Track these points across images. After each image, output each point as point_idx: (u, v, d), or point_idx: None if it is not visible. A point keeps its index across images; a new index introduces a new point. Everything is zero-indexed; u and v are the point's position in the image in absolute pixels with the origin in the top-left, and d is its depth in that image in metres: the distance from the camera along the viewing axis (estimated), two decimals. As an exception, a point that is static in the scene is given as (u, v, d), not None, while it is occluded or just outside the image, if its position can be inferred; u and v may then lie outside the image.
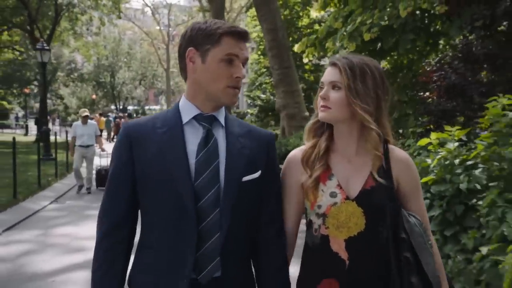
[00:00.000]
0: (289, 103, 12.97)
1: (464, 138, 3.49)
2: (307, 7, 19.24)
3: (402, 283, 1.35)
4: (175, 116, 1.41)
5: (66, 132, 12.70)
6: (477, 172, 3.01)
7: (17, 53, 23.23)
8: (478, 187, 2.97)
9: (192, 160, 1.35)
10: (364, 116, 1.42)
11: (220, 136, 1.40)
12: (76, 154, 8.80)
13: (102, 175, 9.06)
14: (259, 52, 21.98)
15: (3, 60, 23.11)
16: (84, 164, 8.99)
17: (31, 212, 7.25)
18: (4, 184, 8.68)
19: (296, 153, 1.55)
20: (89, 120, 9.02)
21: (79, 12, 21.73)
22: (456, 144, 3.19)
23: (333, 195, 1.44)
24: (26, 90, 26.53)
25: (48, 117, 24.39)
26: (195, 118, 1.40)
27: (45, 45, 13.05)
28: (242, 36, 1.37)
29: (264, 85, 22.47)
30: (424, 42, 7.30)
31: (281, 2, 19.39)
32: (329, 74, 1.46)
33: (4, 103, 30.33)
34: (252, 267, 1.48)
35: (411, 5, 6.47)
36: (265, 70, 21.81)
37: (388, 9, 7.19)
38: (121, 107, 44.95)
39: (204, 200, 1.33)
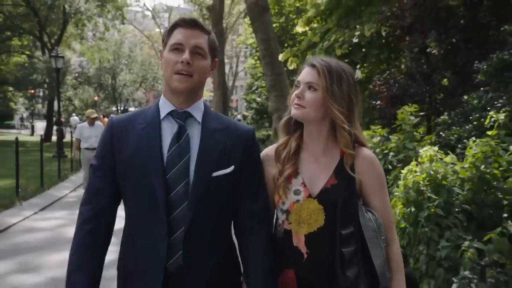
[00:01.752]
0: (280, 106, 14.10)
1: (385, 134, 4.83)
2: (301, 14, 20.67)
3: (342, 276, 1.43)
4: (154, 112, 1.47)
5: (71, 132, 13.97)
6: (389, 157, 4.39)
7: (24, 56, 24.62)
8: (390, 167, 4.34)
9: (165, 154, 1.41)
10: (339, 117, 1.48)
11: (195, 131, 1.45)
12: (84, 158, 8.31)
13: None
14: (256, 58, 23.27)
15: (13, 64, 24.50)
16: None
17: (56, 198, 8.63)
18: (29, 177, 10.04)
19: (270, 149, 1.63)
20: (96, 122, 8.60)
21: (86, 19, 23.08)
22: (379, 138, 4.57)
23: (296, 192, 1.52)
24: (31, 91, 27.79)
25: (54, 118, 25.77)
26: (170, 114, 1.46)
27: (59, 52, 14.41)
28: (188, 24, 1.42)
29: (259, 89, 23.82)
30: (386, 56, 8.70)
31: (276, 10, 20.77)
32: (307, 75, 1.51)
33: (11, 104, 31.67)
34: (232, 257, 1.53)
35: (374, 27, 7.88)
36: (261, 74, 23.03)
37: (357, 29, 8.59)
38: (122, 108, 46.14)
39: (174, 192, 1.38)
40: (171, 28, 1.44)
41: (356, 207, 1.49)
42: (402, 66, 7.25)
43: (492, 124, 4.03)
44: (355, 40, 8.57)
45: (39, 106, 46.73)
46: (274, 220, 1.59)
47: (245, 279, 1.51)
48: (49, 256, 5.03)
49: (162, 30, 44.62)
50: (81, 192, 9.52)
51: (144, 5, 40.08)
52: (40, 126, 32.92)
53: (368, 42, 8.52)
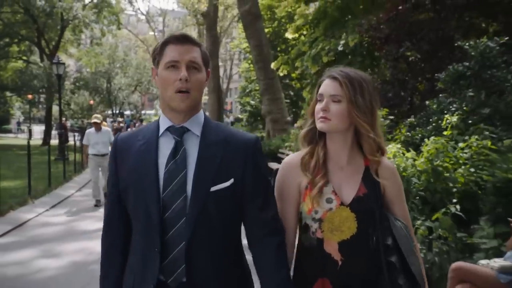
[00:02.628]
0: (273, 109, 14.81)
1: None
2: (293, 19, 21.44)
3: (392, 285, 1.44)
4: (154, 129, 1.48)
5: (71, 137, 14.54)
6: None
7: (21, 61, 25.17)
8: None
9: (162, 171, 1.40)
10: (365, 126, 1.51)
11: (193, 146, 1.43)
12: (92, 164, 8.18)
13: None
14: (249, 61, 23.92)
15: (11, 70, 25.06)
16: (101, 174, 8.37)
17: (64, 197, 9.27)
18: (35, 178, 10.65)
19: (293, 157, 1.63)
20: (103, 127, 8.39)
21: (83, 25, 23.67)
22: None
23: (329, 201, 1.52)
24: (30, 97, 28.29)
25: (52, 122, 26.35)
26: (168, 130, 1.45)
27: (60, 59, 15.04)
28: (179, 40, 1.40)
29: (253, 92, 24.50)
30: (369, 63, 9.44)
31: (269, 15, 21.47)
32: (329, 87, 1.52)
33: (9, 109, 32.17)
34: (240, 270, 1.50)
35: (356, 38, 8.62)
36: (255, 78, 23.66)
37: (342, 39, 9.33)
38: (117, 111, 46.56)
39: (171, 211, 1.37)
40: (162, 45, 1.43)
41: (386, 215, 1.51)
42: (382, 73, 7.97)
43: (447, 125, 4.76)
44: (340, 48, 9.32)
45: (34, 110, 47.01)
46: (302, 229, 1.59)
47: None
48: (67, 244, 5.70)
49: (156, 34, 45.15)
50: (85, 191, 10.16)
51: (139, 9, 40.28)
52: (37, 130, 33.37)
53: (352, 50, 9.28)
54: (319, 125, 1.53)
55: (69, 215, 7.68)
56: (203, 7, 23.51)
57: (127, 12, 42.67)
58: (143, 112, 48.26)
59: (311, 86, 11.08)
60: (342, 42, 9.24)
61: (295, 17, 10.89)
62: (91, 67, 29.13)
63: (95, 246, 5.51)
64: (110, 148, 6.62)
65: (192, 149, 1.42)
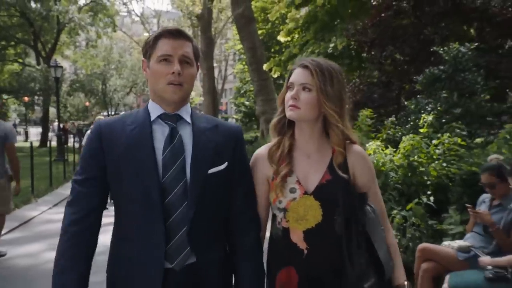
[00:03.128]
0: (267, 109, 15.10)
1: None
2: (286, 21, 21.88)
3: (353, 267, 1.45)
4: (144, 115, 1.48)
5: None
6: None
7: (17, 64, 25.45)
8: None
9: (159, 157, 1.41)
10: (333, 116, 1.52)
11: (187, 132, 1.46)
12: None
13: None
14: (244, 63, 24.27)
15: (7, 72, 25.31)
16: None
17: (65, 196, 9.61)
18: (37, 178, 11.01)
19: (262, 149, 1.64)
20: None
21: (79, 28, 23.98)
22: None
23: (292, 190, 1.54)
24: (26, 99, 28.55)
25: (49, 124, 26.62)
26: (160, 117, 1.47)
27: (58, 62, 15.38)
28: (173, 34, 1.43)
29: (248, 93, 24.88)
30: (357, 65, 9.88)
31: (262, 17, 21.88)
32: (300, 76, 1.52)
33: (6, 111, 32.35)
34: (226, 253, 1.54)
35: (344, 41, 9.06)
36: (249, 79, 24.00)
37: (331, 42, 9.76)
38: (112, 113, 46.69)
39: (172, 194, 1.40)
40: (155, 39, 1.45)
41: (354, 200, 1.51)
42: (369, 75, 8.41)
43: (424, 124, 5.19)
44: (329, 51, 9.76)
45: (30, 112, 47.10)
46: (271, 219, 1.62)
47: (235, 277, 1.53)
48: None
49: (151, 34, 45.31)
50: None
51: (133, 10, 40.48)
52: (33, 132, 33.56)
53: (340, 53, 9.72)
54: (289, 113, 1.54)
55: (72, 212, 8.05)
56: (198, 9, 23.86)
57: (122, 14, 42.88)
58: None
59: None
60: (331, 45, 9.69)
61: (287, 21, 11.29)
62: (87, 69, 29.39)
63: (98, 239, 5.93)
64: None
65: (186, 135, 1.46)
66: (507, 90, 6.77)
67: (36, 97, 23.97)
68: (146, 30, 45.36)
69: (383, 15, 7.02)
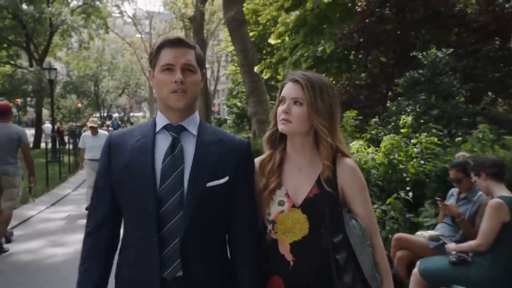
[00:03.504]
0: (258, 110, 15.38)
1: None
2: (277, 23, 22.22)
3: (340, 282, 1.49)
4: (150, 126, 1.54)
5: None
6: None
7: (9, 66, 25.48)
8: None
9: (158, 166, 1.45)
10: (323, 130, 1.55)
11: (190, 144, 1.49)
12: (87, 169, 7.82)
13: None
14: (236, 64, 24.53)
15: (0, 74, 25.34)
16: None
17: (61, 196, 9.86)
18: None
19: (255, 162, 1.66)
20: (100, 131, 8.09)
21: (72, 30, 24.10)
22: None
23: (281, 203, 1.58)
24: (18, 101, 28.56)
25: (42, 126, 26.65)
26: (165, 128, 1.51)
27: (52, 65, 15.55)
28: (174, 43, 1.47)
29: (240, 94, 25.17)
30: (345, 67, 10.22)
31: (254, 19, 22.16)
32: (291, 90, 1.57)
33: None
34: (227, 266, 1.55)
35: (332, 45, 9.39)
36: (241, 80, 24.25)
37: (320, 45, 10.09)
38: (105, 114, 46.67)
39: (167, 205, 1.42)
40: (157, 49, 1.49)
41: (340, 215, 1.54)
42: (357, 77, 8.75)
43: (404, 124, 5.53)
44: (318, 54, 10.09)
45: (21, 113, 46.88)
46: (264, 231, 1.64)
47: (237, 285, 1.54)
48: (70, 236, 6.32)
49: (143, 36, 45.42)
50: (81, 191, 10.73)
51: (125, 12, 40.48)
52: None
53: (329, 56, 10.04)
54: (281, 127, 1.57)
55: (68, 211, 8.27)
56: (190, 12, 24.11)
57: (114, 15, 42.84)
58: (131, 114, 48.52)
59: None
60: (320, 48, 10.01)
61: (277, 25, 11.61)
62: (79, 71, 29.50)
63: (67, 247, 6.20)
64: None
65: (189, 146, 1.49)
66: (489, 93, 7.12)
67: (29, 99, 24.03)
68: (138, 31, 45.47)
69: (367, 21, 7.36)
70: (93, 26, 27.42)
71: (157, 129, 1.52)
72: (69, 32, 24.30)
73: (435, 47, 5.84)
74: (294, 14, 11.38)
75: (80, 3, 26.29)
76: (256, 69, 12.18)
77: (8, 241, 5.87)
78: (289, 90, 1.58)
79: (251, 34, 16.65)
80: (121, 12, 40.22)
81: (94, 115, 46.26)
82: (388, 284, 1.58)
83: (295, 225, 1.56)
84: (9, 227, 6.18)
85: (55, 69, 15.89)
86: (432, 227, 4.13)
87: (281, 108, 1.57)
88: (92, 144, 7.77)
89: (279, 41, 12.76)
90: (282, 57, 11.27)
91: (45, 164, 11.26)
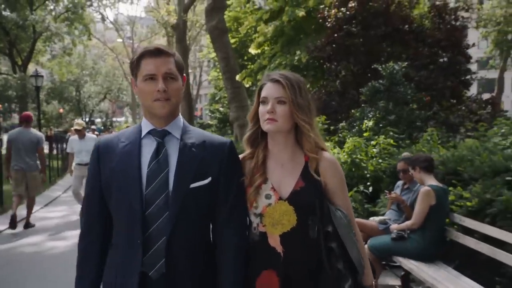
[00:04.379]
0: (240, 115, 15.97)
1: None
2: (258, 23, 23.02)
3: (331, 270, 1.55)
4: (136, 132, 1.59)
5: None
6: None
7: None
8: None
9: (144, 170, 1.51)
10: (305, 126, 1.62)
11: (174, 147, 1.55)
12: (75, 174, 7.60)
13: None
14: (218, 70, 25.17)
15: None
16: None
17: (53, 198, 10.39)
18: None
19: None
20: (87, 134, 7.89)
21: (55, 36, 24.42)
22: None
23: (267, 197, 1.64)
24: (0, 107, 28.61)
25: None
26: (150, 133, 1.57)
27: (39, 72, 15.98)
28: (154, 54, 1.51)
29: (222, 99, 25.81)
30: (320, 75, 11.05)
31: (235, 26, 22.90)
32: (273, 90, 1.62)
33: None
34: (211, 265, 1.57)
35: (307, 55, 10.20)
36: (223, 86, 24.81)
37: (296, 55, 10.89)
38: (87, 119, 46.50)
39: (153, 207, 1.48)
40: (138, 59, 1.53)
41: (327, 206, 1.60)
42: (331, 85, 9.57)
43: (366, 128, 6.33)
44: (295, 63, 10.88)
45: (1, 120, 46.47)
46: (249, 226, 1.66)
47: (218, 284, 1.56)
48: (68, 232, 6.92)
49: (125, 41, 45.52)
50: (71, 193, 11.23)
51: (107, 17, 40.55)
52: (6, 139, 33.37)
53: (305, 65, 10.86)
54: (266, 126, 1.62)
55: (61, 211, 8.83)
56: (173, 19, 24.69)
57: (95, 20, 42.87)
58: (114, 119, 48.55)
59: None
60: (296, 58, 10.82)
61: (256, 35, 12.37)
62: (62, 77, 29.74)
63: (63, 235, 6.80)
64: None
65: (173, 150, 1.54)
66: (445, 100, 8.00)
67: (13, 105, 24.22)
68: (120, 37, 45.66)
69: (336, 35, 8.17)
70: (76, 33, 27.75)
71: (143, 134, 1.58)
72: (53, 39, 24.61)
73: (393, 61, 6.68)
74: (273, 24, 12.18)
75: (63, 10, 26.60)
76: (238, 77, 12.91)
77: (28, 225, 7.16)
78: (271, 90, 1.63)
79: (232, 40, 17.31)
80: (103, 18, 40.21)
81: (76, 120, 45.82)
82: (369, 270, 1.69)
83: (283, 216, 1.61)
84: (5, 226, 6.81)
85: (42, 76, 16.31)
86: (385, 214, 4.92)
87: (264, 108, 1.63)
88: (79, 148, 7.51)
89: (259, 51, 13.54)
90: (262, 65, 12.04)
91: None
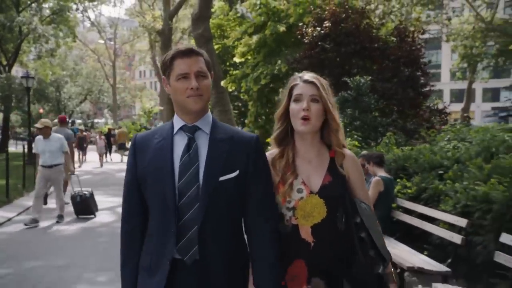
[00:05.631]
0: (223, 119, 16.86)
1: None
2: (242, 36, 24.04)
3: (365, 257, 1.66)
4: (169, 128, 1.70)
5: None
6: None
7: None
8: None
9: (177, 164, 1.61)
10: (336, 122, 1.76)
11: (203, 142, 1.64)
12: (38, 176, 7.16)
13: (78, 202, 7.63)
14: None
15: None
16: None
17: (26, 207, 11.06)
18: (17, 177, 12.34)
19: (267, 155, 1.79)
20: (53, 133, 7.29)
21: (42, 38, 24.86)
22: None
23: (299, 191, 1.74)
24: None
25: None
26: (181, 129, 1.67)
27: (30, 73, 16.59)
28: (185, 54, 1.62)
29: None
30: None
31: (219, 33, 23.84)
32: (307, 89, 1.74)
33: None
34: (242, 252, 1.69)
35: (286, 66, 11.26)
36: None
37: (277, 65, 11.95)
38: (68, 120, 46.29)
39: (185, 198, 1.58)
40: (170, 60, 1.64)
41: (352, 199, 1.73)
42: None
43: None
44: (275, 72, 11.94)
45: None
46: (280, 218, 1.75)
47: (253, 272, 1.67)
48: (72, 218, 7.73)
49: (108, 42, 45.51)
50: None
51: (88, 18, 40.60)
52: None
53: (285, 74, 11.93)
54: (301, 127, 1.73)
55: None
56: (158, 25, 25.48)
57: (80, 22, 42.80)
58: (95, 120, 48.62)
59: (253, 101, 13.62)
60: (277, 67, 11.88)
61: (241, 46, 13.38)
62: (46, 78, 30.06)
63: (95, 219, 7.65)
64: (61, 158, 7.29)
65: (203, 144, 1.63)
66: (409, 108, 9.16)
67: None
68: (102, 38, 45.82)
69: (312, 51, 9.25)
70: (60, 35, 28.17)
71: (175, 130, 1.68)
72: (40, 41, 25.03)
73: (361, 74, 7.78)
74: (256, 36, 13.22)
75: (49, 13, 27.03)
76: (222, 83, 13.87)
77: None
78: (305, 89, 1.74)
79: (216, 46, 18.23)
80: (87, 18, 40.38)
81: (55, 120, 45.61)
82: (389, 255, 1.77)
83: (314, 209, 1.71)
84: (15, 214, 7.60)
85: (33, 77, 16.93)
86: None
87: (299, 106, 1.73)
88: (43, 149, 7.05)
89: (243, 59, 14.57)
90: (245, 73, 13.08)
91: (16, 167, 12.32)
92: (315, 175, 1.76)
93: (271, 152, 1.84)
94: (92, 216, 7.81)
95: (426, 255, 4.29)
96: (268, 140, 2.47)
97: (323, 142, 1.81)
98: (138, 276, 1.67)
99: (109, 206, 9.16)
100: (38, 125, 7.27)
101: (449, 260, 3.83)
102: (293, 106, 1.75)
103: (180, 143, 1.65)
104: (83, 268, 5.08)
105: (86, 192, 7.82)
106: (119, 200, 8.31)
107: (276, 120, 1.84)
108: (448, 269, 3.67)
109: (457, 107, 28.65)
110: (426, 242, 4.50)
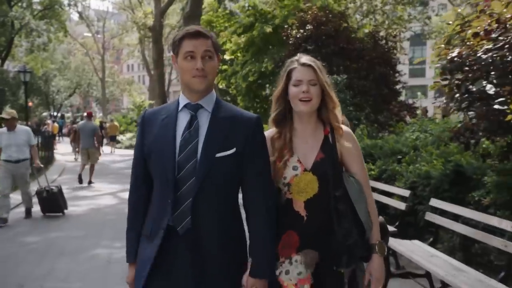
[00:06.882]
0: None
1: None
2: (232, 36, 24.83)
3: (339, 228, 1.79)
4: (174, 105, 1.79)
5: None
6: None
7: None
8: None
9: (178, 139, 1.70)
10: (336, 101, 1.89)
11: (204, 120, 1.72)
12: (1, 173, 6.51)
13: (44, 198, 7.08)
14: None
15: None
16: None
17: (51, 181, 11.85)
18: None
19: (266, 134, 1.88)
20: (19, 126, 6.82)
21: (35, 32, 25.32)
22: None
23: (295, 168, 1.85)
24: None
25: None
26: (185, 106, 1.75)
27: (27, 68, 17.21)
28: (194, 35, 1.69)
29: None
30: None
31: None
32: (306, 73, 1.84)
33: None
34: (237, 227, 1.78)
35: (272, 63, 12.17)
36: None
37: (264, 63, 12.87)
38: (55, 113, 46.45)
39: (183, 171, 1.67)
40: (180, 40, 1.71)
41: (341, 173, 1.85)
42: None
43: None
44: (263, 70, 12.87)
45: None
46: (278, 192, 1.86)
47: (249, 246, 1.77)
48: (78, 201, 8.57)
49: (95, 36, 45.46)
50: (66, 176, 12.67)
51: (78, 12, 40.68)
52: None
53: (271, 72, 12.85)
54: (301, 107, 1.84)
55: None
56: (150, 22, 26.04)
57: (71, 16, 42.67)
58: (84, 114, 48.67)
59: (242, 96, 14.54)
60: (264, 65, 12.80)
61: (231, 44, 14.26)
62: (38, 72, 30.46)
63: (100, 201, 8.53)
64: (27, 152, 6.73)
65: (204, 122, 1.73)
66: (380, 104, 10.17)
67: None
68: (90, 32, 45.82)
69: (296, 51, 10.17)
70: (52, 30, 28.58)
71: (180, 107, 1.76)
72: (33, 35, 25.46)
73: (338, 73, 8.73)
74: (245, 36, 14.10)
75: (40, 7, 27.41)
76: (213, 80, 14.76)
77: (90, 182, 10.98)
78: (304, 73, 1.84)
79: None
80: (78, 12, 40.54)
81: (44, 113, 45.82)
82: (376, 228, 1.87)
83: (307, 185, 1.82)
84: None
85: (30, 72, 17.56)
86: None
87: (298, 89, 1.83)
88: (7, 142, 6.52)
89: (233, 57, 15.47)
90: (235, 70, 14.01)
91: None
92: (310, 153, 1.87)
93: (270, 131, 1.95)
94: (60, 214, 7.23)
95: (383, 222, 5.27)
96: None
97: (319, 121, 1.92)
98: (140, 240, 1.80)
99: (111, 192, 10.05)
100: (5, 115, 6.71)
101: (397, 223, 4.82)
102: (293, 89, 1.86)
103: (183, 120, 1.74)
104: (99, 237, 5.99)
105: (54, 188, 7.22)
106: (118, 187, 9.89)
107: (273, 102, 1.95)
108: (395, 229, 4.65)
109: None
110: (385, 213, 5.50)
